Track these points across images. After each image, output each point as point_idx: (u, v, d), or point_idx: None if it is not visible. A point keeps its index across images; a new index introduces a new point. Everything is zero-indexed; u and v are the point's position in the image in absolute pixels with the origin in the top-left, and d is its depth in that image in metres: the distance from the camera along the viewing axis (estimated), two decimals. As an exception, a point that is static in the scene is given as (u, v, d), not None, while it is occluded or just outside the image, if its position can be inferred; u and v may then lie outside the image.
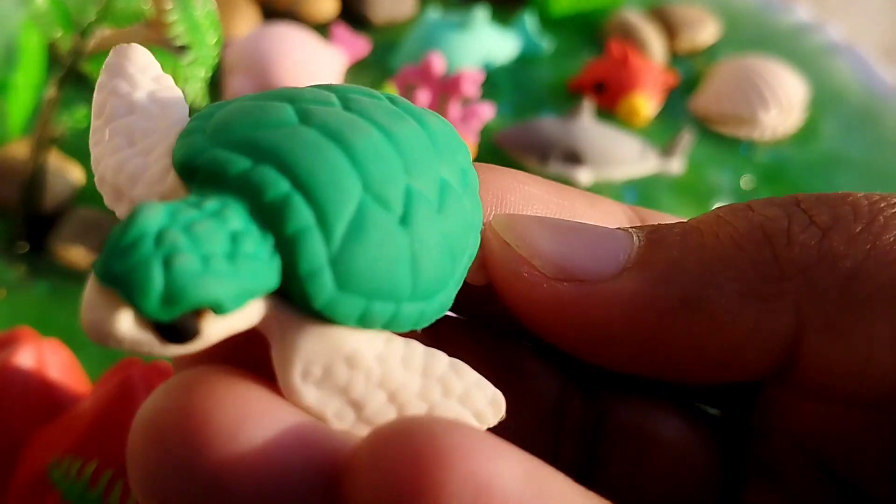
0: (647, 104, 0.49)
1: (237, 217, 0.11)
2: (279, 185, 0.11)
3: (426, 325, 0.13)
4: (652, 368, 0.14)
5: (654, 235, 0.14)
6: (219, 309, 0.10)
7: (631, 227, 0.14)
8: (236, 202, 0.11)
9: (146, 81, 0.13)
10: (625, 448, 0.17)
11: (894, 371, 0.12)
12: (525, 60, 0.53)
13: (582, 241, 0.14)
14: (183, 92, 0.14)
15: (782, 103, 0.50)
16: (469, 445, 0.10)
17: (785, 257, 0.13)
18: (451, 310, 0.13)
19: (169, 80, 0.14)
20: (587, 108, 0.46)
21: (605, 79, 0.50)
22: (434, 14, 0.51)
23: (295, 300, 0.11)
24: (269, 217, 0.11)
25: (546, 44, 0.54)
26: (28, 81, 0.44)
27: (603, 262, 0.13)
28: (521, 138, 0.46)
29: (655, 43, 0.53)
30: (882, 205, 0.13)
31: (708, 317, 0.13)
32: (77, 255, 0.39)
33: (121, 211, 0.12)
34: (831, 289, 0.12)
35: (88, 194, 0.42)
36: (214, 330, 0.11)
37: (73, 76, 0.35)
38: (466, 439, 0.10)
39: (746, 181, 0.49)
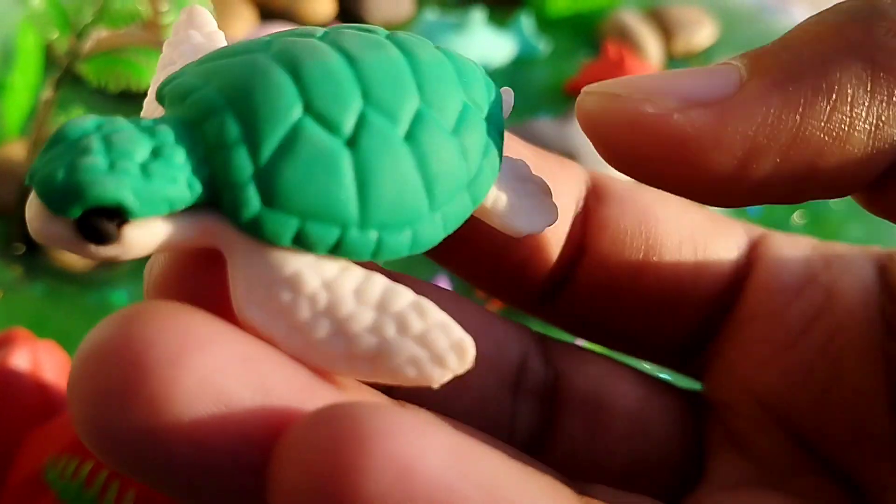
0: (643, 106, 0.49)
1: (168, 133, 0.11)
2: (212, 102, 0.11)
3: (390, 258, 0.12)
4: (789, 182, 0.13)
5: (752, 53, 0.13)
6: (127, 212, 0.11)
7: (724, 61, 0.14)
8: (177, 121, 0.11)
9: (197, 37, 0.14)
10: (582, 413, 0.17)
11: None
12: (521, 62, 0.53)
13: (691, 75, 0.13)
14: None
15: (778, 105, 0.50)
16: (391, 427, 0.09)
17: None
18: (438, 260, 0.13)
19: (220, 36, 0.14)
20: (583, 109, 0.46)
21: (602, 81, 0.50)
22: (431, 15, 0.51)
23: (229, 217, 0.11)
24: (199, 132, 0.11)
25: (543, 45, 0.54)
26: (25, 82, 0.44)
27: (722, 86, 0.13)
28: (517, 140, 0.46)
29: (652, 45, 0.53)
30: None
31: (845, 99, 0.12)
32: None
33: None
34: None
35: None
36: (137, 236, 0.11)
37: (69, 77, 0.35)
38: (390, 421, 0.09)
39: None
